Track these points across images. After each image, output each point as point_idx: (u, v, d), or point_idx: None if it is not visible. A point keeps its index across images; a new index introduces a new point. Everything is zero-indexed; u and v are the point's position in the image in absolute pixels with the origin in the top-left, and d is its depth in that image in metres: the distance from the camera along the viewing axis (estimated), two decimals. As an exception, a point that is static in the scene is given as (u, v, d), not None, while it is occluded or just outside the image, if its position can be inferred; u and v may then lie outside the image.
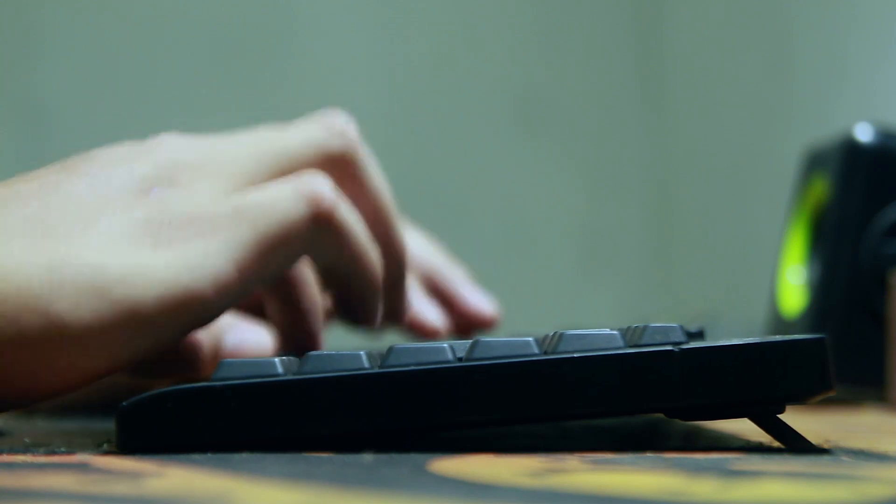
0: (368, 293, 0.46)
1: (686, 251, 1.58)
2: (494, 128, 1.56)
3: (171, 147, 0.44)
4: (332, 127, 0.46)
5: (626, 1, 1.62)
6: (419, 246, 0.66)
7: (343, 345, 0.45)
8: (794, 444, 0.38)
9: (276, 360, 0.37)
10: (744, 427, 0.39)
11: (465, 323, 0.64)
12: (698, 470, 0.33)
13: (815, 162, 0.68)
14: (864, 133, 0.65)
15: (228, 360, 0.38)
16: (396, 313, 0.50)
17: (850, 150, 0.64)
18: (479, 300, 0.65)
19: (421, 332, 0.62)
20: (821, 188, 0.66)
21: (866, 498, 0.29)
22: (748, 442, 0.40)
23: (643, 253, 1.61)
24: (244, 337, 0.54)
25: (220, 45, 1.46)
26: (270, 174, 0.44)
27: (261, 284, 0.43)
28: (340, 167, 0.46)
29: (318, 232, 0.43)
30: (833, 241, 0.64)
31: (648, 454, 0.36)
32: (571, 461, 0.34)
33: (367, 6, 1.52)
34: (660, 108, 1.60)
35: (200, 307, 0.40)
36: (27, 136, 1.39)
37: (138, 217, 0.41)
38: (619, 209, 1.61)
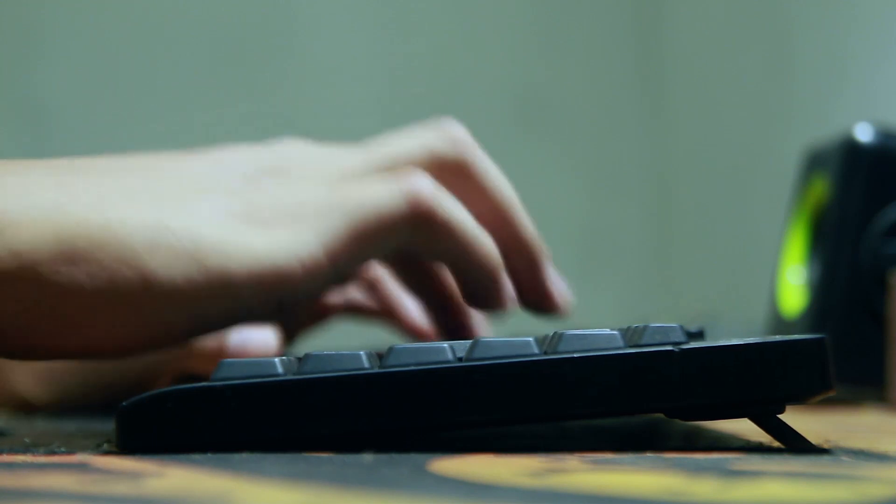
0: (486, 280, 0.47)
1: (686, 251, 1.58)
2: (494, 128, 1.56)
3: (291, 146, 0.47)
4: (444, 133, 0.48)
5: (626, 1, 1.62)
6: None
7: (343, 345, 0.45)
8: (794, 444, 0.38)
9: (276, 360, 0.37)
10: (744, 427, 0.39)
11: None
12: (698, 470, 0.33)
13: (815, 162, 0.68)
14: (864, 133, 0.65)
15: (228, 360, 0.38)
16: (542, 298, 0.52)
17: (850, 150, 0.64)
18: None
19: (413, 334, 0.63)
20: (821, 188, 0.66)
21: (866, 498, 0.29)
22: (748, 442, 0.40)
23: (643, 253, 1.61)
24: (248, 336, 0.55)
25: (220, 45, 1.46)
26: (378, 173, 0.46)
27: (352, 272, 0.45)
28: (453, 171, 0.48)
29: (417, 228, 0.44)
30: (833, 241, 0.64)
31: (648, 454, 0.36)
32: (571, 461, 0.34)
33: (366, 6, 1.52)
34: (660, 108, 1.60)
35: (288, 286, 0.42)
36: (27, 136, 1.39)
37: (242, 199, 0.43)
38: (619, 209, 1.61)
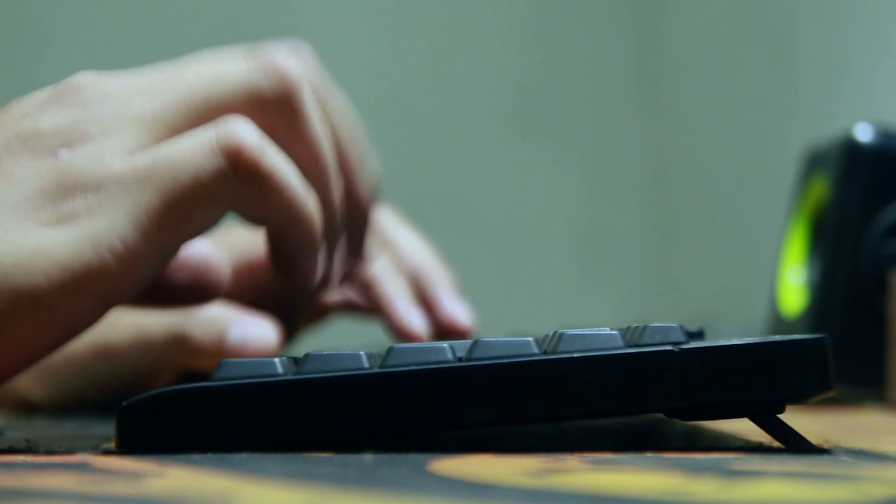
0: (305, 249, 0.42)
1: (686, 251, 1.58)
2: (494, 127, 1.56)
3: (89, 93, 0.40)
4: (271, 67, 0.41)
5: (625, 0, 1.63)
6: (411, 246, 0.64)
7: (343, 345, 0.45)
8: (794, 444, 0.38)
9: (276, 360, 0.37)
10: (744, 427, 0.39)
11: (440, 329, 0.64)
12: (698, 470, 0.33)
13: (815, 162, 0.68)
14: (864, 133, 0.65)
15: (228, 360, 0.38)
16: (354, 265, 0.46)
17: (850, 150, 0.64)
18: (456, 308, 0.63)
19: (403, 336, 0.62)
20: (821, 188, 0.66)
21: (866, 498, 0.29)
22: (748, 442, 0.40)
23: (643, 253, 1.61)
24: (249, 331, 0.54)
25: (220, 45, 1.46)
26: (193, 122, 0.40)
27: (179, 247, 0.40)
28: (276, 113, 0.41)
29: (239, 185, 0.39)
30: (833, 241, 0.64)
31: (648, 454, 0.36)
32: (571, 461, 0.34)
33: (365, 6, 1.52)
34: (660, 107, 1.60)
35: (109, 284, 0.38)
36: None
37: (40, 187, 0.38)
38: (619, 209, 1.61)
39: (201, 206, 0.39)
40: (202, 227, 0.40)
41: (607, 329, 0.37)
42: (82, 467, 0.34)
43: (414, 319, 0.61)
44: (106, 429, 0.43)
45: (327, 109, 0.44)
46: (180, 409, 0.37)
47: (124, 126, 0.39)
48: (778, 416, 0.37)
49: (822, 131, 0.70)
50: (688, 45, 1.58)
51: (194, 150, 0.39)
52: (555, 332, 0.38)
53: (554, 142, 1.59)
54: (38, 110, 0.40)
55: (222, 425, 0.37)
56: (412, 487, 0.30)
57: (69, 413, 0.59)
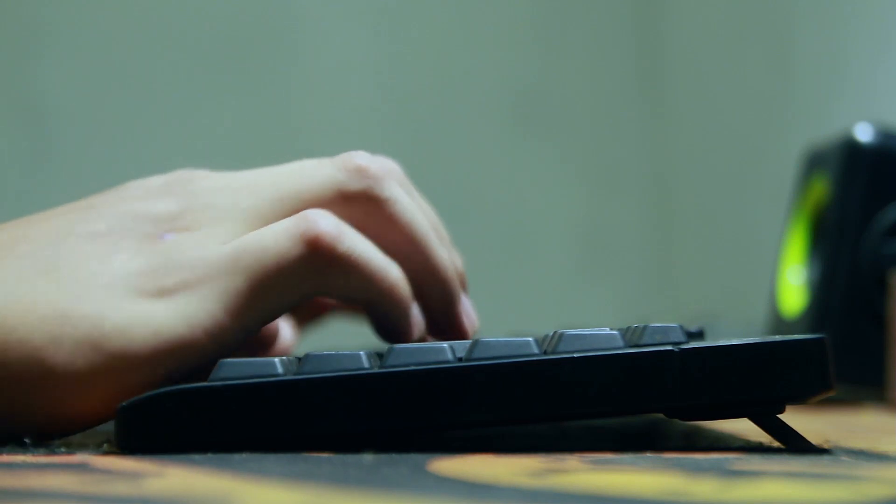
0: (394, 314, 0.46)
1: (686, 251, 1.58)
2: (493, 127, 1.56)
3: (195, 186, 0.45)
4: (350, 166, 0.46)
5: (625, 0, 1.62)
6: None
7: (343, 345, 0.45)
8: (794, 444, 0.38)
9: (276, 360, 0.37)
10: (744, 427, 0.39)
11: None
12: (698, 470, 0.33)
13: (815, 162, 0.68)
14: (864, 133, 0.65)
15: (228, 360, 0.38)
16: (451, 327, 0.50)
17: (850, 150, 0.64)
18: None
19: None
20: (821, 188, 0.66)
21: (866, 498, 0.29)
22: (748, 442, 0.40)
23: (643, 253, 1.61)
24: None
25: (221, 45, 1.46)
26: (283, 215, 0.45)
27: (263, 324, 0.44)
28: (362, 205, 0.46)
29: (319, 269, 0.43)
30: (833, 241, 0.64)
31: (648, 454, 0.36)
32: (571, 461, 0.34)
33: (365, 6, 1.52)
34: (660, 107, 1.60)
35: (195, 355, 0.41)
36: (27, 136, 1.39)
37: (144, 264, 0.42)
38: (619, 209, 1.61)
39: (283, 288, 0.43)
40: (284, 307, 0.44)
41: (607, 329, 0.37)
42: (82, 467, 0.34)
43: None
44: (106, 429, 0.43)
45: (412, 194, 0.49)
46: (180, 409, 0.37)
47: (224, 219, 0.44)
48: (778, 416, 0.37)
49: (822, 131, 0.70)
50: (688, 46, 1.58)
51: (278, 237, 0.43)
52: (555, 332, 0.38)
53: (554, 142, 1.59)
54: (153, 196, 0.44)
55: (222, 425, 0.37)
56: (412, 487, 0.30)
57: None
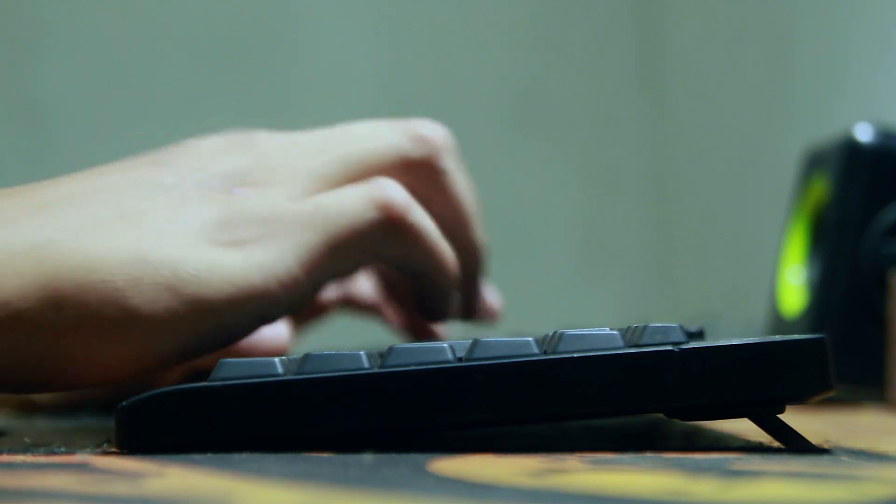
0: (442, 291, 0.48)
1: (686, 251, 1.58)
2: (494, 128, 1.56)
3: (260, 146, 0.46)
4: (414, 134, 0.48)
5: (625, 1, 1.62)
6: None
7: (343, 345, 0.45)
8: (794, 444, 0.38)
9: (276, 360, 0.37)
10: (744, 427, 0.39)
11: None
12: (698, 470, 0.33)
13: (815, 162, 0.68)
14: (864, 133, 0.65)
15: (228, 360, 0.38)
16: (470, 309, 0.53)
17: (850, 150, 0.64)
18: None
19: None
20: (821, 188, 0.66)
21: (866, 498, 0.29)
22: (748, 442, 0.40)
23: (643, 253, 1.61)
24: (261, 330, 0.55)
25: (221, 45, 1.46)
26: (349, 178, 0.46)
27: (330, 282, 0.45)
28: (421, 173, 0.48)
29: (387, 236, 0.45)
30: (833, 241, 0.64)
31: (648, 454, 0.36)
32: (571, 461, 0.34)
33: (364, 6, 1.52)
34: (660, 107, 1.60)
35: (268, 305, 0.43)
36: (27, 136, 1.39)
37: (218, 216, 0.43)
38: (619, 209, 1.61)
39: (354, 249, 0.44)
40: (351, 268, 0.46)
41: (607, 329, 0.37)
42: (82, 467, 0.34)
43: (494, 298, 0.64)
44: (106, 429, 0.43)
45: (462, 170, 0.50)
46: (180, 408, 0.37)
47: (292, 178, 0.45)
48: (778, 416, 0.37)
49: (822, 131, 0.70)
50: (688, 46, 1.58)
51: (354, 201, 0.44)
52: (555, 332, 0.38)
53: (554, 142, 1.59)
54: (222, 154, 0.46)
55: (222, 425, 0.37)
56: (412, 487, 0.30)
57: (69, 413, 0.59)
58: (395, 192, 0.45)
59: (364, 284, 0.67)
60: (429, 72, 1.53)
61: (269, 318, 0.43)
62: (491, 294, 0.65)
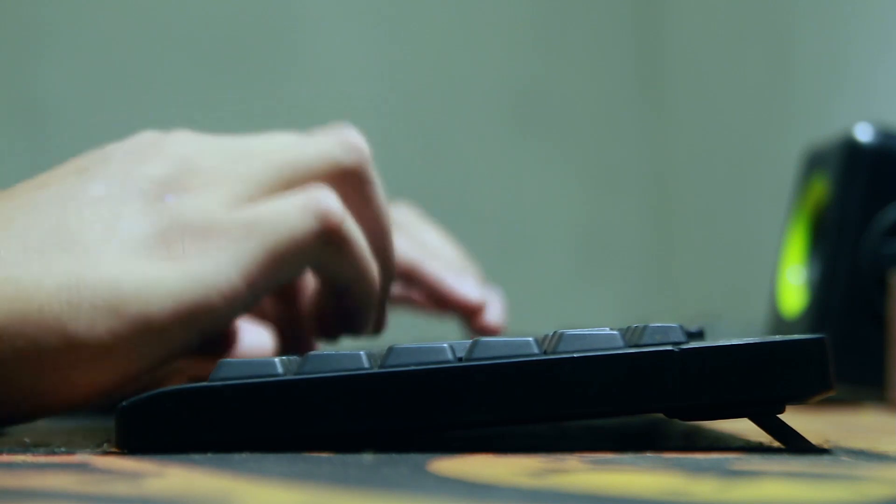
0: (366, 303, 0.48)
1: (686, 251, 1.58)
2: (493, 127, 1.56)
3: (185, 148, 0.45)
4: (346, 142, 0.47)
5: (625, 1, 1.62)
6: (437, 243, 0.70)
7: (343, 345, 0.45)
8: (794, 444, 0.38)
9: (276, 360, 0.37)
10: (744, 427, 0.39)
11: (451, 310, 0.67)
12: (698, 470, 0.33)
13: (815, 162, 0.68)
14: (864, 133, 0.65)
15: (228, 360, 0.38)
16: (380, 323, 0.51)
17: (850, 150, 0.64)
18: (465, 287, 0.66)
19: (461, 308, 0.65)
20: (821, 188, 0.66)
21: (866, 498, 0.29)
22: (748, 442, 0.40)
23: (643, 253, 1.61)
24: (244, 337, 0.55)
25: (221, 45, 1.46)
26: (282, 185, 0.45)
27: (266, 293, 0.45)
28: (350, 182, 0.47)
29: (325, 246, 0.44)
30: (833, 241, 0.64)
31: (648, 454, 0.36)
32: (571, 461, 0.34)
33: (364, 6, 1.52)
34: (660, 107, 1.60)
35: (210, 318, 0.42)
36: (27, 136, 1.39)
37: (153, 227, 0.42)
38: (619, 209, 1.61)
39: (293, 258, 0.44)
40: (289, 277, 0.45)
41: (607, 329, 0.37)
42: (82, 467, 0.34)
43: (469, 289, 0.64)
44: (106, 429, 0.43)
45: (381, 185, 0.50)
46: (180, 409, 0.37)
47: (224, 182, 0.44)
48: (778, 416, 0.37)
49: (822, 131, 0.70)
50: (688, 46, 1.58)
51: (292, 210, 0.44)
52: (555, 332, 0.38)
53: (554, 142, 1.59)
54: (141, 158, 0.44)
55: (222, 425, 0.37)
56: (412, 487, 0.30)
57: (69, 413, 0.59)
58: (331, 202, 0.44)
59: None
60: (429, 72, 1.53)
61: (210, 331, 0.43)
62: (494, 309, 0.66)
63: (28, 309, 0.40)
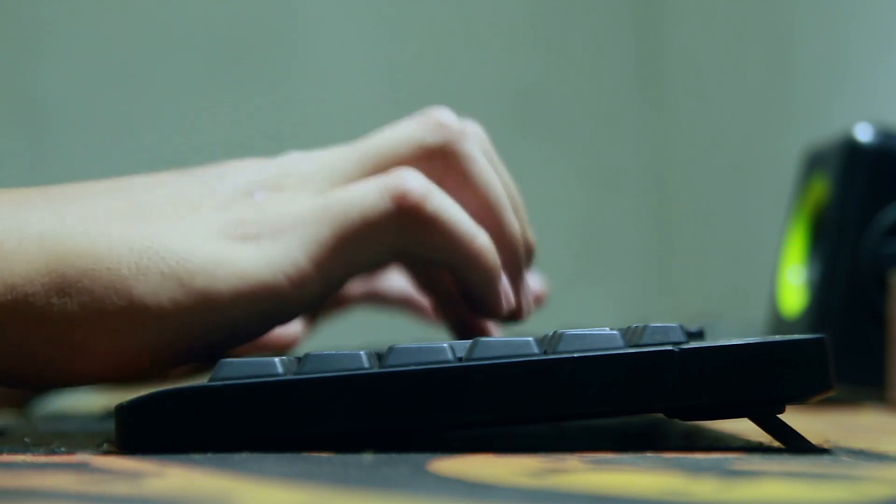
0: (483, 281, 0.45)
1: (686, 251, 1.58)
2: (494, 127, 1.55)
3: (289, 159, 0.46)
4: (431, 122, 0.46)
5: (625, 1, 1.62)
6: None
7: (343, 345, 0.45)
8: (794, 444, 0.38)
9: (276, 359, 0.37)
10: (744, 427, 0.39)
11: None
12: (698, 470, 0.33)
13: (815, 162, 0.68)
14: (864, 133, 0.65)
15: (228, 359, 0.38)
16: (516, 305, 0.48)
17: (850, 150, 0.64)
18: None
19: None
20: (821, 188, 0.66)
21: (866, 498, 0.29)
22: (748, 442, 0.40)
23: (643, 253, 1.61)
24: None
25: (221, 45, 1.46)
26: (366, 172, 0.45)
27: (346, 279, 0.44)
28: (441, 160, 0.46)
29: (404, 227, 0.43)
30: (833, 241, 0.64)
31: (648, 454, 0.36)
32: (571, 461, 0.34)
33: (365, 6, 1.52)
34: (660, 107, 1.60)
35: (277, 301, 0.42)
36: (27, 136, 1.39)
37: (233, 215, 0.43)
38: (619, 209, 1.61)
39: (368, 242, 0.43)
40: (371, 263, 0.44)
41: (607, 329, 0.37)
42: (82, 467, 0.34)
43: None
44: (106, 429, 0.43)
45: (493, 161, 0.48)
46: (180, 408, 0.37)
47: (314, 180, 0.44)
48: (778, 416, 0.37)
49: (822, 131, 0.70)
50: (688, 46, 1.58)
51: (366, 193, 0.43)
52: (555, 332, 0.38)
53: (554, 142, 1.59)
54: (244, 168, 0.45)
55: (222, 425, 0.37)
56: (412, 487, 0.30)
57: (69, 413, 0.59)
58: (410, 180, 0.43)
59: (393, 279, 0.67)
60: (429, 72, 1.53)
61: (280, 317, 0.43)
62: (532, 291, 0.63)
63: (98, 267, 0.40)
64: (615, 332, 0.37)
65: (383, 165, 0.45)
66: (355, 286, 0.66)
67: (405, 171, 0.44)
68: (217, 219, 0.42)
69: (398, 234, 0.43)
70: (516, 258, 0.48)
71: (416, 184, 0.43)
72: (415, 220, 0.43)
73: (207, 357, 0.43)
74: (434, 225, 0.43)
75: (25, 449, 0.39)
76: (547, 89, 1.58)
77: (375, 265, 0.45)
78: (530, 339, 0.37)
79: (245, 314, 0.42)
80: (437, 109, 0.47)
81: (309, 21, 1.49)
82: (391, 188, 0.43)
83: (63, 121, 1.40)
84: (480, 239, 0.45)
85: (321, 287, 0.43)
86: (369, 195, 0.43)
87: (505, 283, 0.46)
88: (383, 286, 0.67)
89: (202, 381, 0.38)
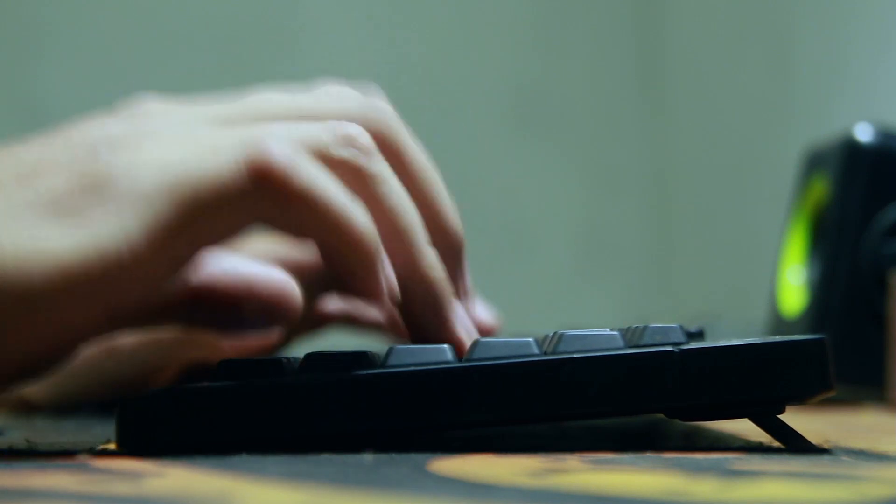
0: (357, 266, 0.38)
1: (686, 251, 1.58)
2: (493, 127, 1.56)
3: (146, 109, 0.39)
4: (338, 132, 0.39)
5: (625, 1, 1.62)
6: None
7: (343, 344, 0.45)
8: (794, 444, 0.38)
9: (276, 360, 0.37)
10: (744, 427, 0.39)
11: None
12: (698, 470, 0.33)
13: (815, 162, 0.68)
14: (864, 133, 0.65)
15: (228, 360, 0.38)
16: (445, 341, 0.41)
17: (850, 150, 0.65)
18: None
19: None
20: (821, 188, 0.66)
21: (866, 498, 0.29)
22: (748, 442, 0.40)
23: (643, 253, 1.61)
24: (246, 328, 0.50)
25: (221, 45, 1.46)
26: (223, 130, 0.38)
27: (196, 254, 0.37)
28: (345, 174, 0.39)
29: (265, 203, 0.37)
30: (833, 241, 0.64)
31: (648, 454, 0.36)
32: (571, 461, 0.34)
33: (364, 6, 1.52)
34: (660, 107, 1.60)
35: (111, 290, 0.36)
36: (27, 137, 1.39)
37: (68, 185, 0.36)
38: (619, 209, 1.61)
39: (220, 219, 0.37)
40: (220, 237, 0.38)
41: (607, 329, 0.37)
42: (82, 467, 0.34)
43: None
44: (106, 429, 0.43)
45: (407, 145, 0.43)
46: (180, 408, 0.37)
47: (172, 142, 0.37)
48: (778, 416, 0.37)
49: (822, 131, 0.70)
50: (688, 46, 1.58)
51: (220, 164, 0.36)
52: (555, 332, 0.38)
53: (554, 141, 1.59)
54: (99, 123, 0.39)
55: (222, 425, 0.37)
56: (412, 487, 0.30)
57: (69, 413, 0.59)
58: (275, 150, 0.36)
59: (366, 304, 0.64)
60: (429, 71, 1.53)
61: (120, 307, 0.36)
62: (482, 311, 0.62)
63: None
64: (615, 332, 0.37)
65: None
66: (332, 306, 0.63)
67: (269, 134, 0.37)
68: (45, 196, 0.35)
69: (257, 211, 0.37)
70: (436, 288, 0.41)
71: (280, 153, 0.36)
72: (277, 196, 0.36)
73: (48, 368, 0.37)
74: (301, 203, 0.37)
75: (25, 449, 0.39)
76: (547, 89, 1.58)
77: (232, 238, 0.38)
78: (530, 339, 0.37)
79: (75, 309, 0.35)
80: (347, 123, 0.40)
81: (309, 21, 1.49)
82: (250, 158, 0.36)
83: (63, 121, 1.40)
84: (357, 219, 0.38)
85: (165, 268, 0.36)
86: (222, 167, 0.36)
87: (387, 269, 0.40)
88: (360, 309, 0.65)
89: (202, 381, 0.38)
